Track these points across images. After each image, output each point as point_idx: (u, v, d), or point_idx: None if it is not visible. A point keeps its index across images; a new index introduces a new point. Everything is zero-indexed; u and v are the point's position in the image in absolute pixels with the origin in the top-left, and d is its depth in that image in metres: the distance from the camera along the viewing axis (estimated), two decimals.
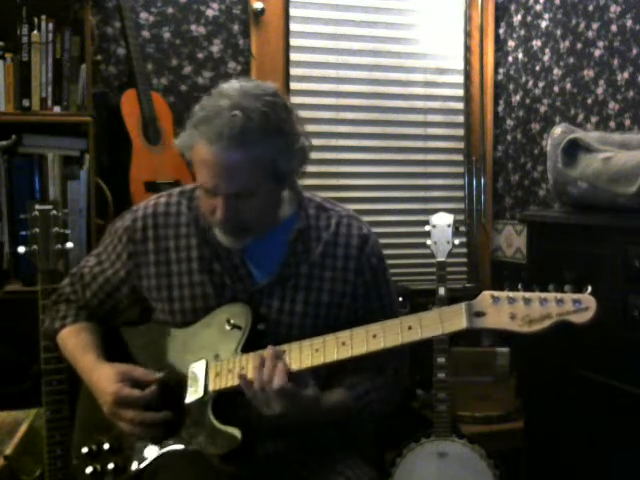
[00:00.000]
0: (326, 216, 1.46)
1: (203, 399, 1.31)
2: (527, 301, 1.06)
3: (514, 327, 1.06)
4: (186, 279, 1.41)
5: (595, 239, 1.87)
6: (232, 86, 1.31)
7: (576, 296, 1.05)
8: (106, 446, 1.40)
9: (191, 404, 1.33)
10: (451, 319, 1.11)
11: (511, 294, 1.07)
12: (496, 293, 1.09)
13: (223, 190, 1.29)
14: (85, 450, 1.42)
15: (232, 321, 1.33)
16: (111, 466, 1.38)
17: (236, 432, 1.26)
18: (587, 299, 1.04)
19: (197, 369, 1.34)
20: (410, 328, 1.15)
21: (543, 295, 1.06)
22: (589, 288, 1.05)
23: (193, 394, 1.33)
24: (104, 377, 1.35)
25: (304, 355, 1.22)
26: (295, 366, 1.22)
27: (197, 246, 1.42)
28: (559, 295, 1.05)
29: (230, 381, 1.28)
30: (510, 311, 1.07)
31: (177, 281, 1.42)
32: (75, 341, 1.47)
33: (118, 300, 1.51)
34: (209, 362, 1.34)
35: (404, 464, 2.15)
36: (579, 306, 1.04)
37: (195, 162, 1.31)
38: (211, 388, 1.31)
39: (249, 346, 1.31)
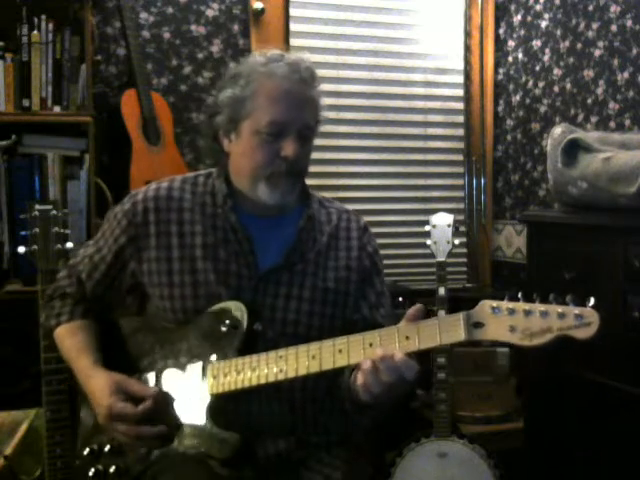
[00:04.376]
0: (327, 212, 1.51)
1: (201, 402, 1.30)
2: (527, 313, 1.02)
3: (515, 340, 1.03)
4: (188, 265, 1.39)
5: (595, 239, 1.87)
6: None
7: (578, 310, 1.00)
8: (107, 447, 1.39)
9: (189, 407, 1.31)
10: (449, 330, 1.08)
11: (511, 305, 1.04)
12: (495, 303, 1.05)
13: (299, 120, 1.35)
14: (87, 451, 1.41)
15: (228, 321, 1.32)
16: (113, 469, 1.37)
17: (235, 436, 1.25)
18: (590, 313, 1.00)
19: (194, 370, 1.33)
20: (408, 338, 1.12)
21: (544, 307, 1.02)
22: (592, 300, 1.01)
23: (191, 397, 1.31)
24: (99, 387, 1.33)
25: (300, 362, 1.21)
26: (291, 374, 1.21)
27: (202, 233, 1.41)
28: (561, 308, 1.01)
29: (227, 385, 1.27)
30: (510, 323, 1.03)
31: (178, 266, 1.40)
32: (70, 342, 1.45)
33: (119, 284, 1.48)
34: (206, 364, 1.32)
35: (404, 464, 2.15)
36: (581, 321, 1.00)
37: (261, 104, 1.34)
38: (209, 392, 1.29)
39: (246, 346, 1.30)
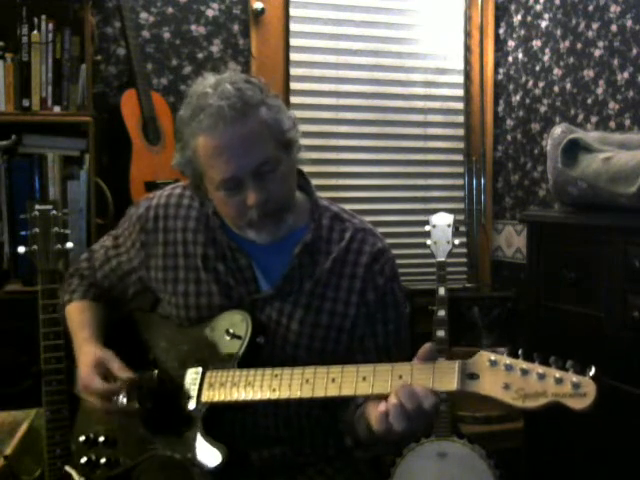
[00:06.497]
0: (340, 228, 1.39)
1: (195, 409, 1.29)
2: (524, 372, 0.99)
3: (507, 399, 0.99)
4: (192, 275, 1.39)
5: (595, 239, 1.87)
6: (203, 81, 1.28)
7: (576, 379, 0.95)
8: (101, 438, 1.40)
9: (183, 411, 1.30)
10: (442, 377, 1.06)
11: (509, 361, 1.01)
12: (494, 356, 1.02)
13: (247, 166, 1.23)
14: (82, 439, 1.42)
15: (232, 330, 1.31)
16: (103, 460, 1.38)
17: (221, 449, 1.23)
18: (587, 384, 0.95)
19: (193, 376, 1.32)
20: (401, 377, 1.09)
21: (542, 369, 0.98)
22: (592, 369, 0.96)
23: (186, 402, 1.30)
24: (84, 358, 1.35)
25: (294, 384, 1.18)
26: (284, 395, 1.19)
27: (203, 244, 1.39)
28: (559, 373, 0.97)
29: (222, 395, 1.26)
30: (505, 380, 1.00)
31: (183, 275, 1.40)
32: (77, 318, 1.47)
33: (126, 286, 1.50)
34: (205, 371, 1.30)
35: (404, 464, 2.15)
36: (577, 390, 0.95)
37: (205, 164, 1.26)
38: (203, 399, 1.28)
39: (246, 358, 1.29)
